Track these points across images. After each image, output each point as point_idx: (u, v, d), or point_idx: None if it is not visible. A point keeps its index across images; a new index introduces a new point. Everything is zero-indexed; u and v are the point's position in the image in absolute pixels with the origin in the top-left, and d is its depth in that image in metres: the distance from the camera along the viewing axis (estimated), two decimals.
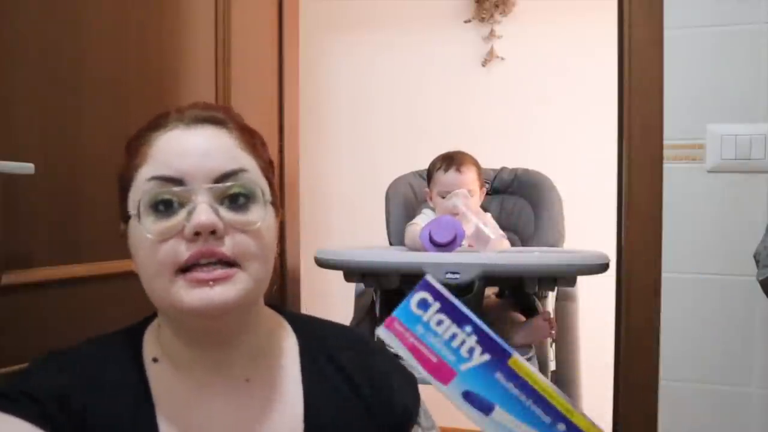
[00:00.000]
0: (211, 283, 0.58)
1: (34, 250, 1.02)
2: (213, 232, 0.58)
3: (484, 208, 1.65)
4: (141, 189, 0.60)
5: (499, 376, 0.47)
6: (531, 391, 0.46)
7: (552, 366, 1.51)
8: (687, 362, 1.19)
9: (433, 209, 1.60)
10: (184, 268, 0.58)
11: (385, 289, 1.43)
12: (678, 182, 1.19)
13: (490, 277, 1.39)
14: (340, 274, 1.34)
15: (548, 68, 2.39)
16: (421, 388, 0.73)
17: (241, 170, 0.62)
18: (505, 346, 0.47)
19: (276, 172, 0.76)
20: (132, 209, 0.61)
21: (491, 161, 1.81)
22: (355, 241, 2.34)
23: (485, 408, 0.46)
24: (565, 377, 1.47)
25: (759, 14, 1.14)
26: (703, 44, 1.18)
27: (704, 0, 1.17)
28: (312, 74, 2.53)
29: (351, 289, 1.56)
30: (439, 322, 0.48)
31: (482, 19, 2.43)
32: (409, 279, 1.47)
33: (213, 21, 1.42)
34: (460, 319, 0.48)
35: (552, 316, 1.49)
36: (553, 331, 1.43)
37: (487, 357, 0.47)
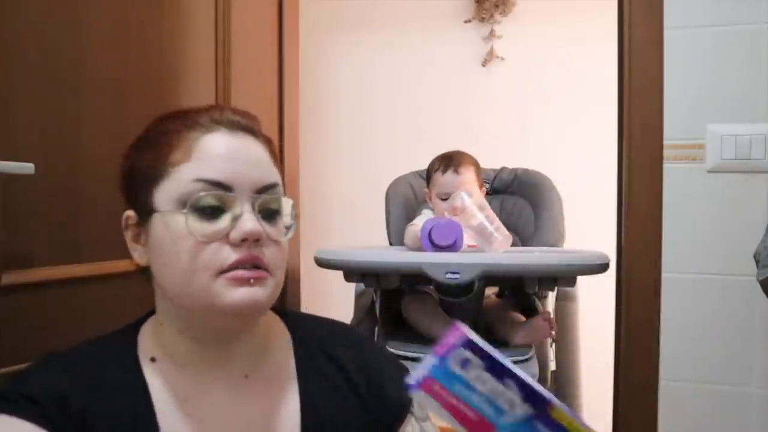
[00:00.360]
0: (252, 281, 0.60)
1: (34, 250, 1.02)
2: (257, 240, 0.61)
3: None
4: (183, 187, 0.61)
5: (540, 427, 0.45)
6: None
7: (552, 366, 1.51)
8: (687, 362, 1.19)
9: (433, 210, 1.60)
10: (223, 270, 0.60)
11: (385, 289, 1.43)
12: (678, 182, 1.19)
13: (490, 277, 1.39)
14: (340, 274, 1.34)
15: (548, 68, 2.39)
16: None
17: (277, 184, 0.65)
18: (547, 395, 0.46)
19: None
20: (166, 205, 0.61)
21: (491, 161, 1.81)
22: (355, 241, 2.34)
23: None
24: (565, 377, 1.47)
25: (759, 14, 1.14)
26: (703, 44, 1.18)
27: (704, 0, 1.17)
28: (312, 74, 2.53)
29: (351, 289, 1.56)
30: (480, 379, 0.46)
31: (482, 19, 2.43)
32: (409, 279, 1.48)
33: (213, 21, 1.42)
34: (501, 373, 0.46)
35: (552, 316, 1.49)
36: (553, 332, 1.43)
37: (528, 408, 0.45)
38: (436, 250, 1.32)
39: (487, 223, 1.34)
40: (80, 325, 1.07)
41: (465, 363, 0.46)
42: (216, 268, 0.60)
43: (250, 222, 0.60)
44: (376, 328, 1.52)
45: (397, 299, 1.52)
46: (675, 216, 1.19)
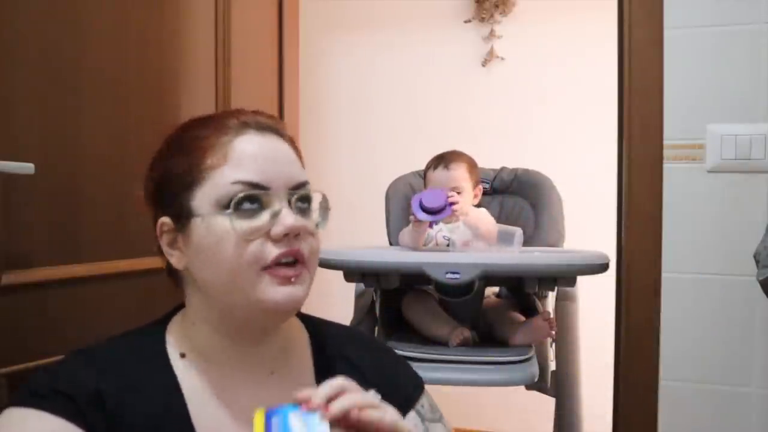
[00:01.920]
0: (293, 280, 0.64)
1: (34, 250, 1.02)
2: (297, 234, 0.64)
3: (489, 208, 1.65)
4: (222, 190, 0.63)
5: None
6: None
7: (552, 366, 1.51)
8: (687, 362, 1.19)
9: None
10: (267, 266, 0.63)
11: (385, 289, 1.43)
12: (678, 182, 1.19)
13: (490, 277, 1.39)
14: (340, 274, 1.34)
15: (548, 68, 2.39)
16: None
17: (307, 181, 0.69)
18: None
19: None
20: (203, 209, 0.63)
21: (491, 161, 1.81)
22: (355, 241, 2.34)
23: None
24: (565, 377, 1.47)
25: (759, 14, 1.14)
26: (703, 44, 1.18)
27: (704, 0, 1.17)
28: (312, 74, 2.53)
29: (351, 289, 1.55)
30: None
31: (482, 19, 2.43)
32: (409, 279, 1.48)
33: (213, 21, 1.42)
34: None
35: (552, 316, 1.49)
36: (553, 331, 1.43)
37: None
38: (428, 217, 1.36)
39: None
40: (80, 325, 1.07)
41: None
42: (261, 263, 0.63)
43: (290, 217, 0.63)
44: (376, 328, 1.52)
45: (397, 299, 1.52)
46: (675, 216, 1.19)
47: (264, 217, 0.63)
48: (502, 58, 2.44)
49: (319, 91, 2.61)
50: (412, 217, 1.42)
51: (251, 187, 0.63)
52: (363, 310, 1.53)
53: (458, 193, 1.50)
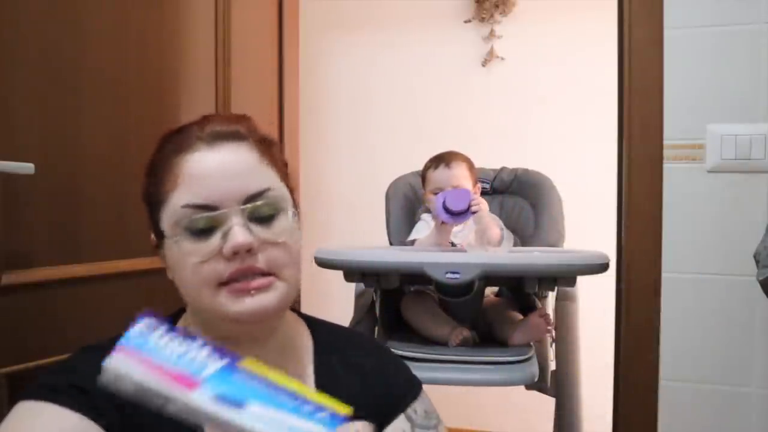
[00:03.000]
0: (252, 292, 0.64)
1: (34, 250, 1.02)
2: (249, 250, 0.63)
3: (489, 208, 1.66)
4: (176, 214, 0.64)
5: (238, 377, 0.49)
6: (272, 384, 0.50)
7: (552, 366, 1.51)
8: (687, 362, 1.19)
9: (429, 207, 1.61)
10: (222, 282, 0.64)
11: (385, 289, 1.43)
12: (678, 182, 1.19)
13: (490, 277, 1.39)
14: (340, 274, 1.33)
15: (548, 68, 2.39)
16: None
17: (267, 189, 0.66)
18: (231, 352, 0.51)
19: None
20: (167, 231, 0.65)
21: (491, 161, 1.81)
22: (355, 241, 2.34)
23: (237, 405, 0.47)
24: (565, 377, 1.47)
25: (759, 14, 1.14)
26: (703, 44, 1.17)
27: (704, 0, 1.17)
28: (312, 74, 2.53)
29: (351, 289, 1.55)
30: (171, 341, 0.50)
31: (482, 19, 2.43)
32: (409, 279, 1.48)
33: (213, 21, 1.42)
34: (187, 337, 0.51)
35: (552, 316, 1.49)
36: (550, 328, 1.43)
37: (222, 362, 0.50)
38: (451, 218, 1.36)
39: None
40: (80, 325, 1.07)
41: (150, 328, 0.51)
42: (215, 282, 0.63)
43: (238, 235, 0.62)
44: (376, 328, 1.52)
45: (397, 299, 1.52)
46: (675, 216, 1.19)
47: (216, 237, 0.63)
48: (502, 58, 2.44)
49: (319, 91, 2.60)
50: (434, 219, 1.42)
51: (199, 209, 0.63)
52: (363, 310, 1.53)
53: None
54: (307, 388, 0.50)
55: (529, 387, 1.49)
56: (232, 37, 1.45)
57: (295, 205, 0.70)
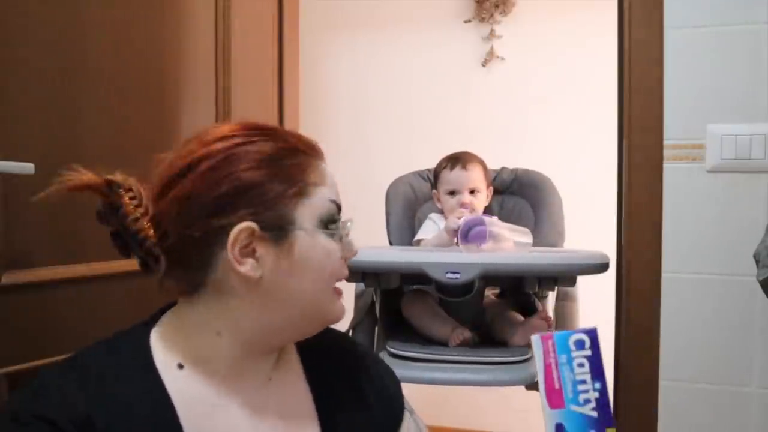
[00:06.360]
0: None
1: (34, 250, 1.02)
2: None
3: (489, 207, 1.66)
4: (323, 208, 0.66)
5: None
6: None
7: None
8: (687, 362, 1.19)
9: (441, 212, 1.61)
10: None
11: (385, 289, 1.43)
12: (678, 182, 1.19)
13: (490, 277, 1.39)
14: None
15: (548, 68, 2.39)
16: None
17: None
18: (611, 417, 0.57)
19: None
20: (306, 224, 0.65)
21: (491, 161, 1.80)
22: (354, 241, 2.33)
23: None
24: None
25: (759, 14, 1.14)
26: (703, 44, 1.18)
27: (704, 0, 1.17)
28: (312, 74, 2.53)
29: (351, 289, 1.55)
30: (581, 365, 0.57)
31: (482, 19, 2.43)
32: (409, 279, 1.48)
33: (213, 21, 1.42)
34: (596, 374, 0.57)
35: (552, 316, 1.49)
36: (551, 330, 1.43)
37: (594, 414, 0.56)
38: (467, 244, 1.33)
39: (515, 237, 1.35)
40: (80, 324, 1.07)
41: (579, 345, 0.57)
42: (337, 280, 0.69)
43: (356, 243, 0.71)
44: (376, 328, 1.52)
45: (397, 299, 1.52)
46: (675, 216, 1.19)
47: (337, 239, 0.68)
48: (502, 58, 2.44)
49: (318, 91, 2.60)
50: (447, 232, 1.42)
51: (339, 208, 0.68)
52: (363, 310, 1.53)
53: (472, 192, 1.55)
54: None
55: (529, 387, 1.49)
56: (232, 36, 1.45)
57: None
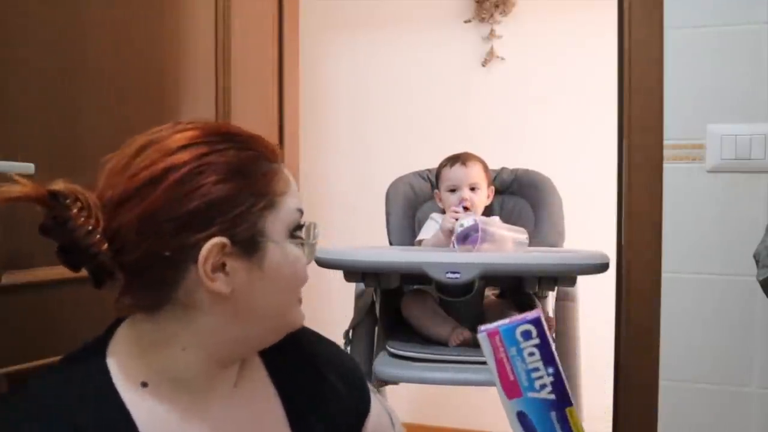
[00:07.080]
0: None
1: (34, 250, 1.02)
2: None
3: (489, 208, 1.66)
4: (289, 217, 0.65)
5: (553, 415, 0.57)
6: None
7: None
8: (687, 362, 1.19)
9: (443, 212, 1.62)
10: None
11: (385, 289, 1.43)
12: (678, 182, 1.19)
13: (490, 277, 1.39)
14: (340, 274, 1.34)
15: (548, 68, 2.39)
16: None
17: None
18: (569, 397, 0.57)
19: None
20: (276, 236, 0.63)
21: (491, 161, 1.80)
22: (355, 241, 2.34)
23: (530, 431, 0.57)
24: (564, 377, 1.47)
25: (759, 14, 1.14)
26: (703, 44, 1.17)
27: (704, 0, 1.17)
28: (312, 74, 2.53)
29: (351, 289, 1.55)
30: (531, 354, 0.58)
31: (482, 19, 2.43)
32: (409, 279, 1.48)
33: (213, 21, 1.42)
34: (548, 360, 0.58)
35: (552, 316, 1.49)
36: (552, 331, 1.43)
37: (552, 396, 0.57)
38: (462, 244, 1.34)
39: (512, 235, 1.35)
40: (80, 325, 1.07)
41: (526, 335, 0.58)
42: (301, 288, 0.68)
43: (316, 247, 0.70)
44: (376, 328, 1.52)
45: (397, 299, 1.52)
46: (675, 216, 1.19)
47: (302, 244, 0.68)
48: (502, 58, 2.44)
49: (318, 91, 2.60)
50: (443, 232, 1.44)
51: (301, 215, 0.67)
52: (363, 310, 1.53)
53: (473, 189, 1.56)
54: None
55: None
56: (232, 36, 1.45)
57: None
